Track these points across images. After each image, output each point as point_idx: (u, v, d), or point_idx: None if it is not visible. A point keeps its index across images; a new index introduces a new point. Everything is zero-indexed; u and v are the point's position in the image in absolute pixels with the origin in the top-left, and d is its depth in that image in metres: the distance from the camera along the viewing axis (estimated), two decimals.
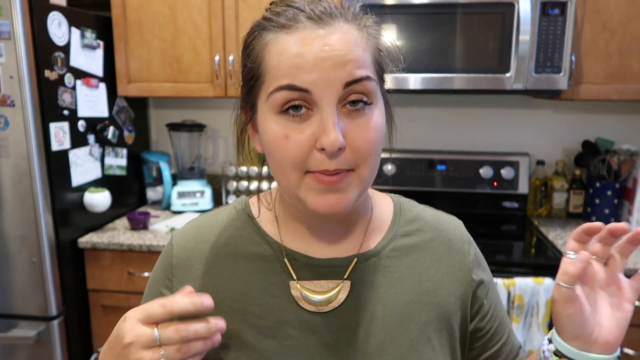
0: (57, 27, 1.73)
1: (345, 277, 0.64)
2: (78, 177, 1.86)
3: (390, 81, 0.63)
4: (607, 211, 2.04)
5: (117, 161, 2.08)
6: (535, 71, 1.73)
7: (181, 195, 2.16)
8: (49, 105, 1.70)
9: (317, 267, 0.65)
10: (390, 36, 1.77)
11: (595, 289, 0.59)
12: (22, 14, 1.59)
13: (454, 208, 2.15)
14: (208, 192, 2.20)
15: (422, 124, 2.23)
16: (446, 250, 0.70)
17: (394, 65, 0.62)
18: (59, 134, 1.75)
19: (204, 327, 0.54)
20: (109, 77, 2.00)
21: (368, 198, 0.70)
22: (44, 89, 1.68)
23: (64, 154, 1.78)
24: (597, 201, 2.06)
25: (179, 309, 0.53)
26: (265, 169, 0.68)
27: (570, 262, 0.56)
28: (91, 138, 1.92)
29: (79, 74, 1.85)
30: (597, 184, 2.04)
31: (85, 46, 1.88)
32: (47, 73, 1.69)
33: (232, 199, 2.24)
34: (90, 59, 1.91)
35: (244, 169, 2.23)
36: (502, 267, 1.66)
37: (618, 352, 0.58)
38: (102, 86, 1.97)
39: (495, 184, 2.11)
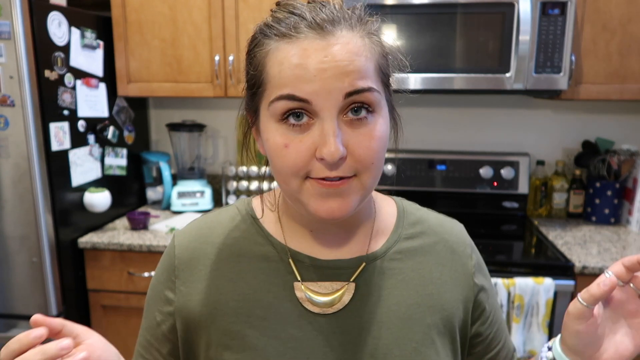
0: (57, 27, 1.73)
1: (352, 279, 0.64)
2: (78, 177, 1.86)
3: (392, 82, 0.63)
4: (607, 211, 2.05)
5: (117, 161, 2.07)
6: (535, 71, 1.73)
7: (181, 195, 2.16)
8: (49, 105, 1.70)
9: (322, 269, 0.65)
10: (391, 36, 1.77)
11: (618, 315, 0.60)
12: (22, 14, 1.58)
13: (454, 208, 2.15)
14: (208, 192, 2.20)
15: (422, 124, 2.23)
16: (449, 254, 0.70)
17: (400, 71, 0.62)
18: (59, 134, 1.75)
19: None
20: (109, 77, 2.00)
21: (371, 201, 0.69)
22: (44, 89, 1.67)
23: (64, 154, 1.78)
24: (597, 201, 2.06)
25: None
26: (265, 169, 0.68)
27: (596, 283, 0.56)
28: (91, 138, 1.92)
29: (79, 74, 1.85)
30: (597, 184, 2.05)
31: (85, 46, 1.87)
32: (47, 73, 1.69)
33: (232, 199, 2.24)
34: (90, 59, 1.90)
35: (244, 169, 2.23)
36: (502, 267, 1.66)
37: None
38: (102, 86, 1.97)
39: (495, 184, 2.11)
